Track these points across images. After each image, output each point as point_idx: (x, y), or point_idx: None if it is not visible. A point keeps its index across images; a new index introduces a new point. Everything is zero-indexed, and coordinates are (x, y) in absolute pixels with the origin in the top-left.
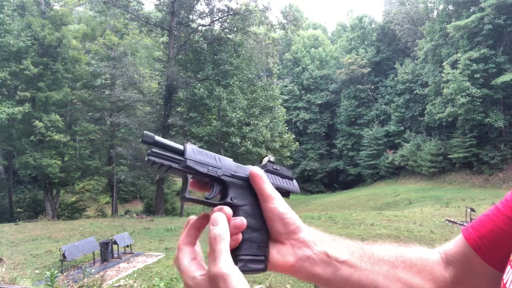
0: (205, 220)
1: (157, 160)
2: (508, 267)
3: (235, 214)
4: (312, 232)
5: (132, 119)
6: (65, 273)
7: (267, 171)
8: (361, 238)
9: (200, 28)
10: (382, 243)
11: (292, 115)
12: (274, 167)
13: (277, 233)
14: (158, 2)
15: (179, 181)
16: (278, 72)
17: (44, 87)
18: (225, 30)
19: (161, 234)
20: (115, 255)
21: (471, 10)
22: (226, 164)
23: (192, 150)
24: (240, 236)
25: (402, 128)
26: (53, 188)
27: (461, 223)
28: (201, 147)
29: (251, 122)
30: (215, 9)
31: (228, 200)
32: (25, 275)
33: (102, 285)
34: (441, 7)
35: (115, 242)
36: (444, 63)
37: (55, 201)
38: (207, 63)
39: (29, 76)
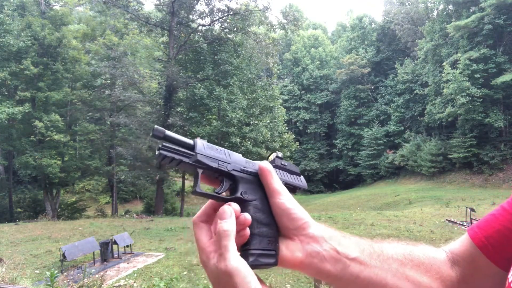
0: (220, 205)
1: (168, 154)
2: None
3: (245, 209)
4: (322, 228)
5: (132, 119)
6: (65, 273)
7: (275, 166)
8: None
9: (200, 28)
10: (390, 241)
11: (292, 115)
12: (282, 162)
13: (285, 228)
14: (158, 2)
15: (179, 181)
16: (278, 72)
17: (44, 87)
18: (225, 30)
19: (161, 234)
20: (115, 255)
21: (471, 10)
22: (236, 159)
23: (203, 145)
24: (247, 232)
25: (402, 128)
26: (53, 188)
27: (461, 223)
28: None
29: (251, 122)
30: (215, 9)
31: (238, 195)
32: (25, 275)
33: (102, 285)
34: (441, 7)
35: (115, 242)
36: (444, 63)
37: (55, 201)
38: (207, 63)
39: (29, 76)
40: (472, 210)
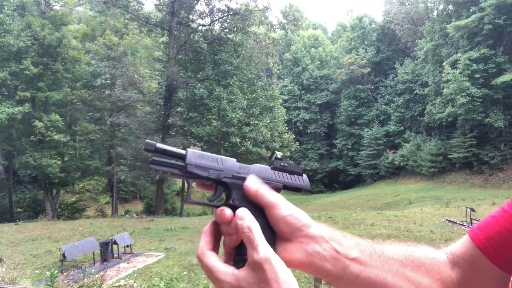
0: (216, 226)
1: (158, 168)
2: None
3: None
4: (322, 228)
5: (132, 119)
6: (65, 273)
7: (274, 168)
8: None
9: (200, 28)
10: (391, 242)
11: (292, 115)
12: (282, 163)
13: (283, 232)
14: (158, 2)
15: (179, 181)
16: (278, 72)
17: (44, 87)
18: (225, 30)
19: (161, 234)
20: (115, 255)
21: (471, 10)
22: (228, 166)
23: (193, 155)
24: (239, 236)
25: (402, 128)
26: (53, 188)
27: (461, 223)
28: (201, 147)
29: (251, 122)
30: (215, 9)
31: (230, 202)
32: (25, 275)
33: (102, 285)
34: (441, 7)
35: (115, 242)
36: (444, 63)
37: (55, 201)
38: (207, 63)
39: (29, 76)
40: (472, 210)
